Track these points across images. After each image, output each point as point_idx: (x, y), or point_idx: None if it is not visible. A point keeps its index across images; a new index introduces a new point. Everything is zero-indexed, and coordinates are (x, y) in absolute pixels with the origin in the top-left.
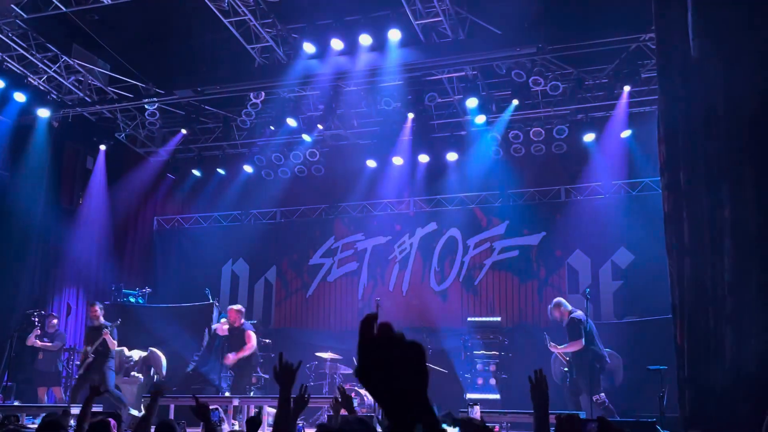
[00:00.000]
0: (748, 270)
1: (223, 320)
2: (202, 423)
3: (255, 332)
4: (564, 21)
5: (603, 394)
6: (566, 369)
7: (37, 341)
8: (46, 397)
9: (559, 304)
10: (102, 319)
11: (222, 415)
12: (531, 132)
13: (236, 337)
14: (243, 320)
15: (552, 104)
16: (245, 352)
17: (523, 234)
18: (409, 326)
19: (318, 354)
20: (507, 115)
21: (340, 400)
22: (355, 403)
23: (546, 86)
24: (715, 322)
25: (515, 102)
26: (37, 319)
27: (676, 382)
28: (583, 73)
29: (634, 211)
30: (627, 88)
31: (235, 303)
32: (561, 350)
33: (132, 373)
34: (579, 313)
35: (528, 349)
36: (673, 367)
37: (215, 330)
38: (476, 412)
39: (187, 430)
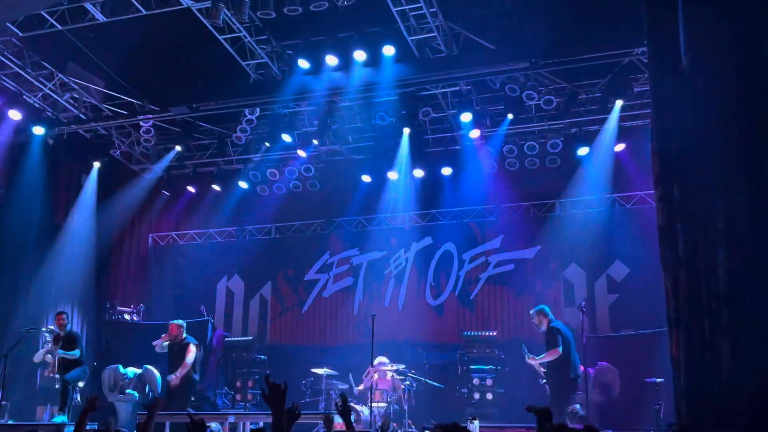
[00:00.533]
0: (744, 282)
1: (163, 335)
2: None
3: (197, 345)
4: (557, 36)
5: (578, 405)
6: (544, 381)
7: (49, 356)
8: (44, 416)
9: (542, 311)
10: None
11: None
12: (525, 146)
13: (177, 352)
14: (185, 335)
15: (546, 118)
16: (184, 369)
17: (519, 248)
18: (405, 341)
19: (313, 370)
20: (503, 129)
21: (340, 407)
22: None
23: (540, 100)
24: (712, 335)
25: (510, 116)
26: (48, 335)
27: (672, 395)
28: (577, 88)
29: (628, 225)
30: (620, 102)
31: (230, 319)
32: (538, 361)
33: (127, 391)
34: (558, 323)
35: (524, 363)
36: (669, 380)
37: (161, 346)
38: (476, 428)
39: None
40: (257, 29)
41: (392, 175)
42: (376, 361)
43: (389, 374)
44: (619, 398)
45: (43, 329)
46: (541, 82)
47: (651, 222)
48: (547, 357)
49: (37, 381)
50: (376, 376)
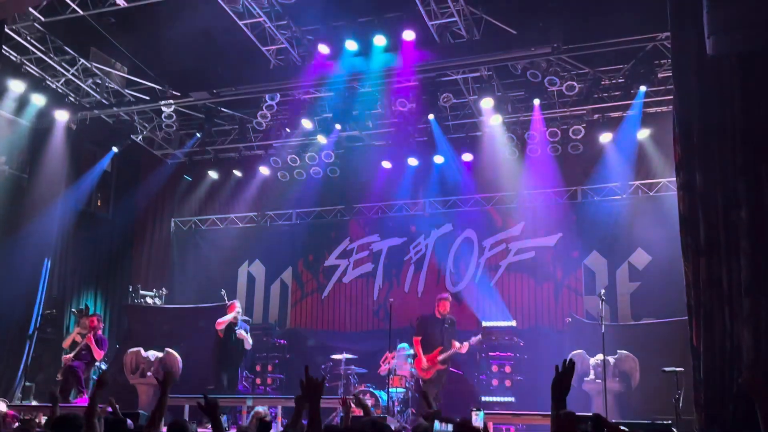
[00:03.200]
0: (765, 270)
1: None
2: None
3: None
4: (580, 20)
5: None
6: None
7: (78, 336)
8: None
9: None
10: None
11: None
12: (547, 132)
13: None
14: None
15: (568, 104)
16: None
17: (540, 235)
18: None
19: (333, 356)
20: (532, 115)
21: (355, 407)
22: (370, 404)
23: (562, 86)
24: (732, 324)
25: (537, 102)
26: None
27: (692, 384)
28: (599, 73)
29: (651, 212)
30: (643, 88)
31: (251, 304)
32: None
33: (148, 374)
34: None
35: (543, 351)
36: (690, 369)
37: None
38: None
39: (198, 430)
40: (277, 14)
41: (412, 161)
42: (398, 347)
43: (408, 360)
44: (639, 387)
45: (73, 310)
46: (564, 68)
47: (674, 209)
48: None
49: (62, 363)
50: (393, 360)
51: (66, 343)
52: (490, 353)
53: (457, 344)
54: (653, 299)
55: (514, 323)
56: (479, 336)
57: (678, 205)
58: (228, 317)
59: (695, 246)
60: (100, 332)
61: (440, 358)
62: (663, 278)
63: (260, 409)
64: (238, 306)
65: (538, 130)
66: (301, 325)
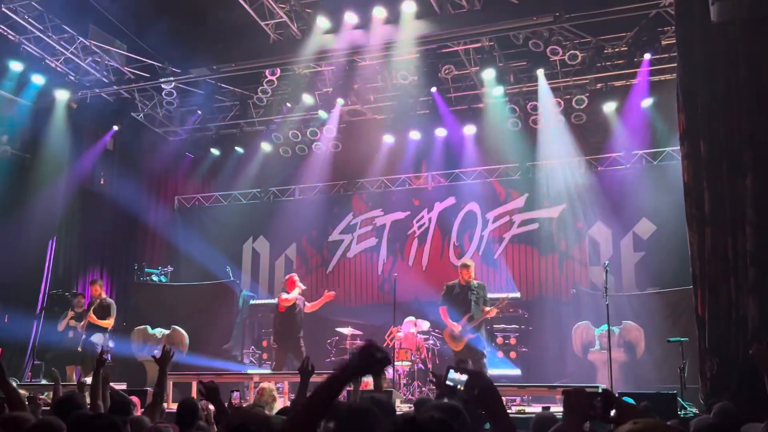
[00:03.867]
0: None
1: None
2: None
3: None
4: None
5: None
6: None
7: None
8: (75, 376)
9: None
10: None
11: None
12: (550, 103)
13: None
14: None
15: (571, 74)
16: None
17: (543, 206)
18: (429, 301)
19: (338, 329)
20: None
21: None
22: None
23: (564, 56)
24: (737, 293)
25: (540, 72)
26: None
27: (697, 354)
28: (602, 42)
29: (655, 182)
30: (647, 56)
31: (257, 280)
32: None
33: (155, 351)
34: None
35: (548, 322)
36: (694, 339)
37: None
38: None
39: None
40: None
41: (414, 135)
42: (406, 320)
43: (413, 334)
44: (644, 357)
45: (67, 294)
46: (566, 37)
47: (679, 179)
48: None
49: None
50: (401, 334)
51: (61, 327)
52: (495, 325)
53: (486, 308)
54: (658, 269)
55: (518, 295)
56: (505, 300)
57: (682, 175)
58: (294, 294)
59: (700, 216)
60: (105, 296)
61: (469, 325)
62: (668, 248)
63: (266, 385)
64: (296, 279)
65: (541, 100)
66: (306, 300)
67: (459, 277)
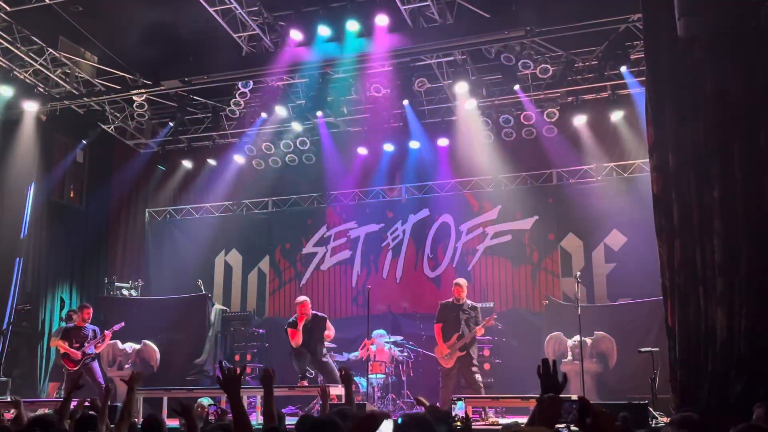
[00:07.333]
0: (738, 250)
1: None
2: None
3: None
4: (552, 3)
5: None
6: None
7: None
8: (55, 393)
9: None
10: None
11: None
12: (521, 116)
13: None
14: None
15: (542, 87)
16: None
17: (516, 218)
18: (403, 313)
19: None
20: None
21: (344, 377)
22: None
23: (536, 69)
24: (706, 304)
25: (517, 87)
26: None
27: (668, 364)
28: (573, 56)
29: (625, 194)
30: (618, 70)
31: (229, 293)
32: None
33: (126, 366)
34: None
35: (521, 333)
36: (665, 349)
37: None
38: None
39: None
40: (248, 0)
41: (388, 147)
42: (374, 334)
43: (387, 346)
44: (616, 367)
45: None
46: (537, 51)
47: (648, 191)
48: None
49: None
50: (373, 347)
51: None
52: None
53: (476, 328)
54: (629, 280)
55: (491, 304)
56: (493, 316)
57: (652, 187)
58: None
59: (669, 227)
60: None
61: (458, 344)
62: (638, 259)
63: (203, 400)
64: (303, 301)
65: (513, 113)
66: (280, 314)
67: (452, 295)
